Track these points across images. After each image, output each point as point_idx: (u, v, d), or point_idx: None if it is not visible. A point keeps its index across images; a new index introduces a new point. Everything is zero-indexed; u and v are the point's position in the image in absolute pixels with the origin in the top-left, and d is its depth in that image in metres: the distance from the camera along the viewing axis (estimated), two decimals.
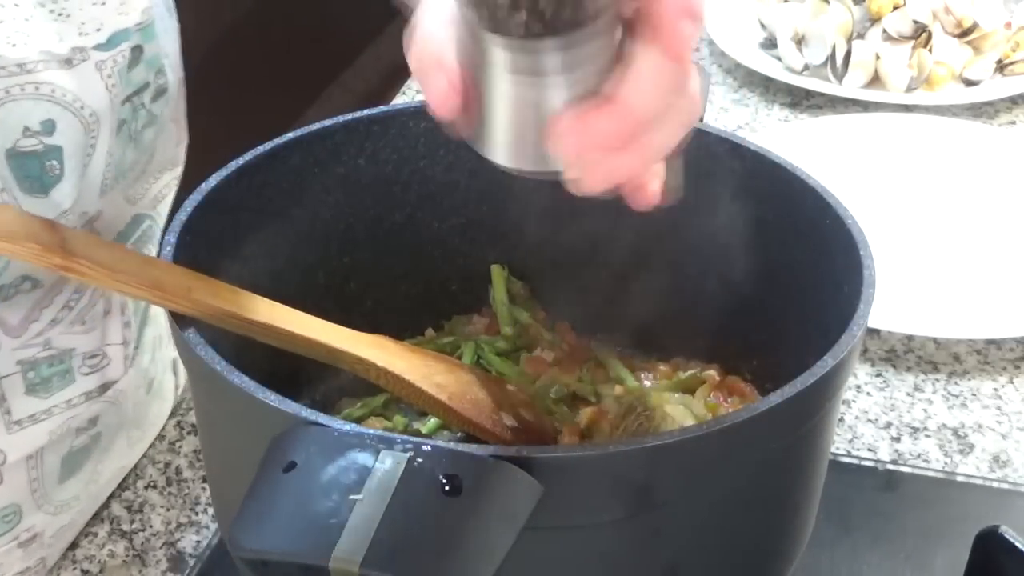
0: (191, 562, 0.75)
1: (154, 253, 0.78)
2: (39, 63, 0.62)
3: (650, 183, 0.53)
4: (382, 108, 0.74)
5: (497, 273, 0.78)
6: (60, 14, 0.64)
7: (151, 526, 0.78)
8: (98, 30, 0.65)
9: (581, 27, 0.45)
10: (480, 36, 0.46)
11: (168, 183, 0.77)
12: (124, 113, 0.67)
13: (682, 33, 0.47)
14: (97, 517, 0.79)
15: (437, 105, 0.49)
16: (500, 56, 0.46)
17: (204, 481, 0.81)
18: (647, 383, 0.75)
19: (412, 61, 0.49)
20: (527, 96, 0.47)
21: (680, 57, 0.47)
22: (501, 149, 0.50)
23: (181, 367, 0.87)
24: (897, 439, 0.84)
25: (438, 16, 0.49)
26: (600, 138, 0.47)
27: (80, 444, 0.75)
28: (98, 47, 0.65)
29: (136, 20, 0.67)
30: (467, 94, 0.49)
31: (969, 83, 1.24)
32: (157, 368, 0.82)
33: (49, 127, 0.63)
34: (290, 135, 0.70)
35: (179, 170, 0.78)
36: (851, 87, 1.23)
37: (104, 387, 0.75)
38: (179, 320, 0.57)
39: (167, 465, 0.83)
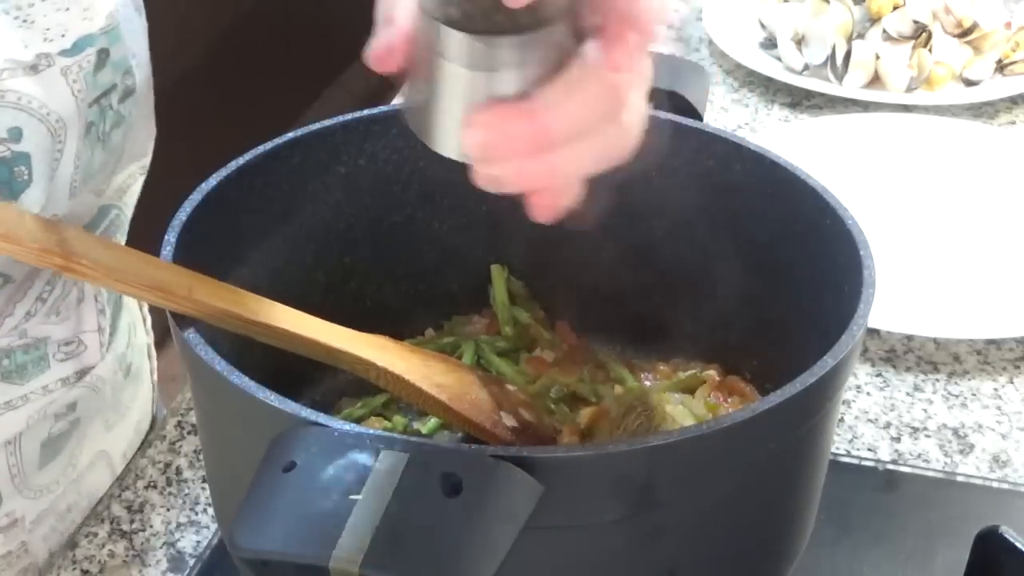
0: (191, 562, 0.75)
1: (123, 242, 0.79)
2: (4, 71, 0.63)
3: (555, 198, 0.51)
4: (382, 108, 0.74)
5: (497, 273, 0.78)
6: (25, 21, 0.64)
7: (151, 526, 0.78)
8: (63, 36, 0.65)
9: (530, 30, 0.46)
10: (430, 20, 0.47)
11: (132, 173, 0.77)
12: (92, 115, 0.67)
13: (625, 44, 0.46)
14: (97, 517, 0.79)
15: (374, 58, 0.49)
16: (447, 42, 0.47)
17: (204, 481, 0.81)
18: (647, 383, 0.75)
19: (372, 49, 0.49)
20: (461, 84, 0.47)
21: (617, 67, 0.47)
22: (432, 131, 0.50)
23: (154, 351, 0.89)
24: (897, 439, 0.84)
25: (400, 15, 0.49)
26: (508, 139, 0.47)
27: (59, 430, 0.75)
28: (63, 53, 0.65)
29: (101, 24, 0.67)
30: (409, 64, 0.49)
31: (969, 83, 1.24)
32: (133, 353, 0.83)
33: (16, 134, 0.63)
34: (290, 135, 0.70)
35: (146, 160, 0.78)
36: (851, 87, 1.23)
37: (81, 373, 0.75)
38: (179, 320, 0.57)
39: (167, 465, 0.83)
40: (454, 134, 0.49)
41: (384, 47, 0.48)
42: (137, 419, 0.86)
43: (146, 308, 0.88)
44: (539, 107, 0.47)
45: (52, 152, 0.65)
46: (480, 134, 0.47)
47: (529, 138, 0.47)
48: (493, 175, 0.48)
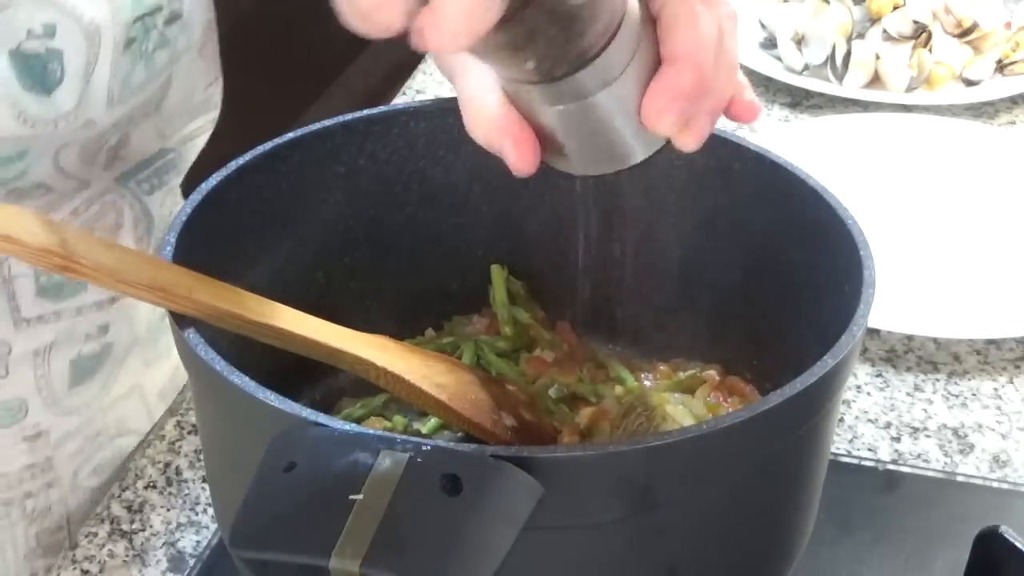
0: (191, 562, 0.75)
1: (178, 183, 0.82)
2: None
3: (744, 95, 0.59)
4: (382, 108, 0.74)
5: (497, 273, 0.78)
6: None
7: (151, 526, 0.78)
8: None
9: (604, 47, 0.49)
10: (532, 88, 0.50)
11: (202, 126, 0.80)
12: (135, 31, 0.69)
13: None
14: (97, 517, 0.79)
15: (522, 168, 0.53)
16: (565, 90, 0.50)
17: (204, 481, 0.81)
18: (647, 383, 0.75)
19: (479, 136, 0.54)
20: (606, 104, 0.51)
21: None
22: (613, 156, 0.55)
23: None
24: (897, 439, 0.84)
25: (480, 84, 0.53)
26: (691, 91, 0.52)
27: (90, 351, 0.77)
28: None
29: None
30: (535, 140, 0.53)
31: (969, 83, 1.24)
32: None
33: (51, 31, 0.65)
34: (290, 135, 0.70)
35: (214, 114, 0.81)
36: (851, 87, 1.23)
37: (114, 298, 0.77)
38: (179, 320, 0.57)
39: (167, 465, 0.83)
40: (638, 139, 0.54)
41: (523, 151, 0.53)
42: (177, 365, 0.87)
43: None
44: (679, 54, 0.52)
45: (87, 55, 0.67)
46: (670, 110, 0.52)
47: (699, 78, 0.52)
48: (698, 128, 0.54)
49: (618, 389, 0.74)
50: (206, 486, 0.80)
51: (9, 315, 0.73)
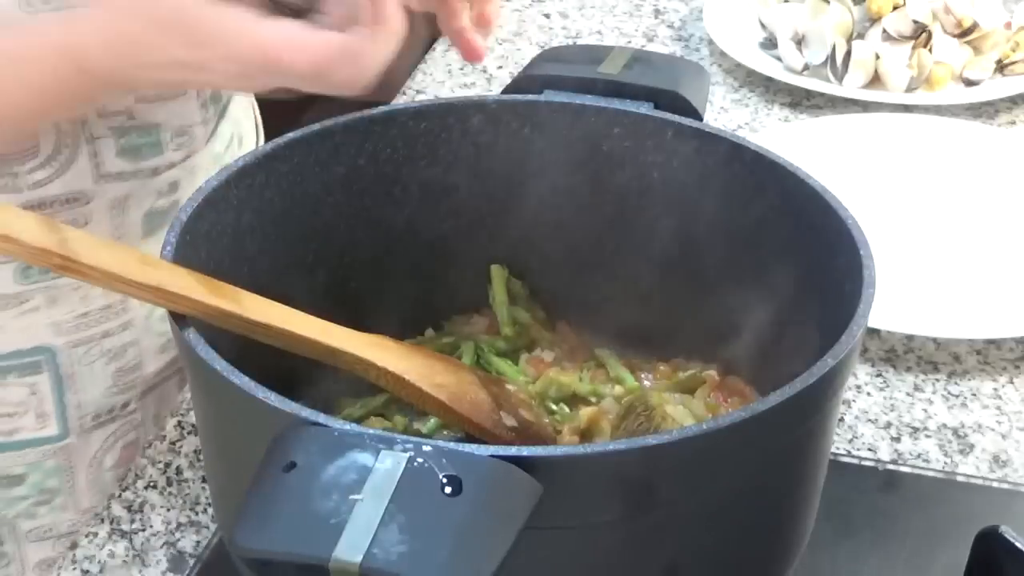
0: (191, 562, 0.75)
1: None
2: None
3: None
4: (382, 108, 0.74)
5: (497, 273, 0.78)
6: None
7: (151, 526, 0.78)
8: None
9: None
10: None
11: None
12: None
13: None
14: (97, 517, 0.79)
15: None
16: None
17: (204, 481, 0.81)
18: (647, 383, 0.75)
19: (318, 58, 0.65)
20: None
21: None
22: None
23: None
24: (897, 439, 0.84)
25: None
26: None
27: (161, 207, 0.84)
28: None
29: None
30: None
31: (969, 83, 1.24)
32: (226, 161, 0.90)
33: None
34: (290, 135, 0.70)
35: None
36: (851, 87, 1.23)
37: (186, 156, 0.85)
38: (179, 320, 0.57)
39: (167, 465, 0.83)
40: None
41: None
42: None
43: (252, 133, 0.98)
44: None
45: None
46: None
47: None
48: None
49: (618, 389, 0.74)
50: (206, 486, 0.80)
51: (91, 171, 0.79)
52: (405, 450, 0.47)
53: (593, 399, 0.74)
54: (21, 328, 0.82)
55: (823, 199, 0.66)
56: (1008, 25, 1.28)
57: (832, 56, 1.23)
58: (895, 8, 1.26)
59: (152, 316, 0.87)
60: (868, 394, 0.88)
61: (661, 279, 0.76)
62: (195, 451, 0.83)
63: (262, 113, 1.01)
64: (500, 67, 1.28)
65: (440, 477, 0.47)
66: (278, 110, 1.09)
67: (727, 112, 1.22)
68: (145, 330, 0.87)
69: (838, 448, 0.83)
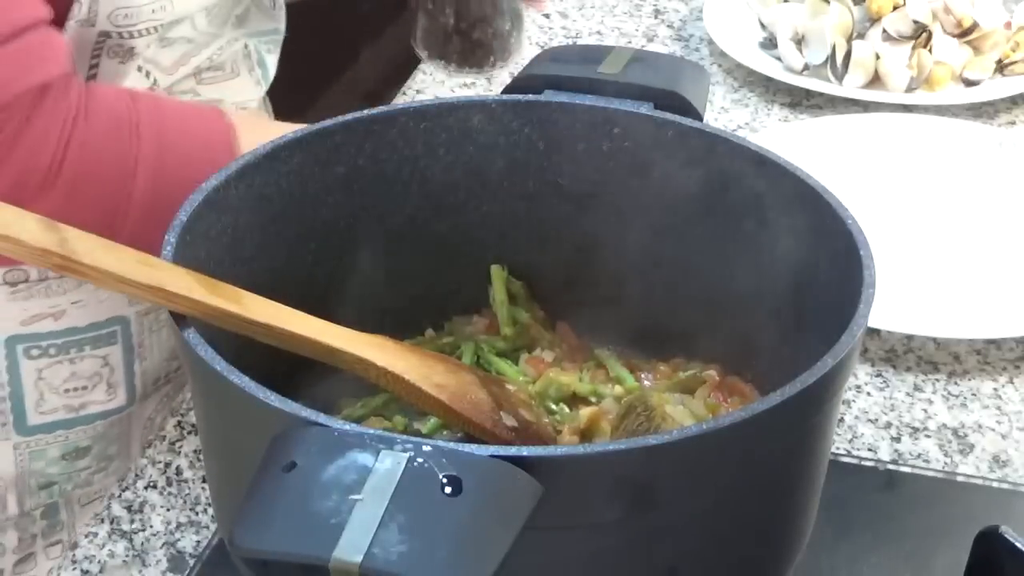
0: (191, 562, 0.75)
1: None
2: None
3: None
4: (382, 108, 0.74)
5: (497, 273, 0.78)
6: None
7: (151, 526, 0.78)
8: None
9: None
10: None
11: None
12: None
13: None
14: (97, 517, 0.79)
15: None
16: None
17: (204, 481, 0.81)
18: (647, 383, 0.75)
19: None
20: None
21: None
22: None
23: None
24: (897, 439, 0.84)
25: None
26: None
27: None
28: None
29: None
30: None
31: (969, 83, 1.24)
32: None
33: None
34: (290, 135, 0.70)
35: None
36: (851, 87, 1.23)
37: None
38: (179, 320, 0.57)
39: (167, 465, 0.83)
40: None
41: None
42: None
43: None
44: None
45: None
46: None
47: None
48: None
49: (618, 389, 0.74)
50: (206, 486, 0.80)
51: None
52: (405, 450, 0.47)
53: (593, 399, 0.74)
54: (99, 301, 0.85)
55: (823, 199, 0.66)
56: (1008, 25, 1.28)
57: (832, 56, 1.23)
58: (895, 8, 1.26)
59: None
60: (868, 394, 0.88)
61: (661, 279, 0.76)
62: (195, 451, 0.83)
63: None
64: (500, 67, 1.28)
65: (440, 477, 0.47)
66: (278, 111, 1.10)
67: (727, 112, 1.22)
68: None
69: (838, 448, 0.83)
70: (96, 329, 0.85)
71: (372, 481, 0.46)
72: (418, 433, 0.72)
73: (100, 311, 0.85)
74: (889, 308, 0.90)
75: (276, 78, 1.02)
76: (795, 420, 0.56)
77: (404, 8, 1.14)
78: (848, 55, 1.23)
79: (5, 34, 0.75)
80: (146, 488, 0.81)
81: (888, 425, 0.86)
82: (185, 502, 0.80)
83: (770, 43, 1.30)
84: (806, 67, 1.25)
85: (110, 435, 0.88)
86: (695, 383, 0.74)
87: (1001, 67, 1.26)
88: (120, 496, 0.80)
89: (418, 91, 1.26)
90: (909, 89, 1.23)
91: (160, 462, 0.83)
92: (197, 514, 0.79)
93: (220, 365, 0.54)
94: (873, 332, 0.92)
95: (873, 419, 0.86)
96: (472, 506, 0.47)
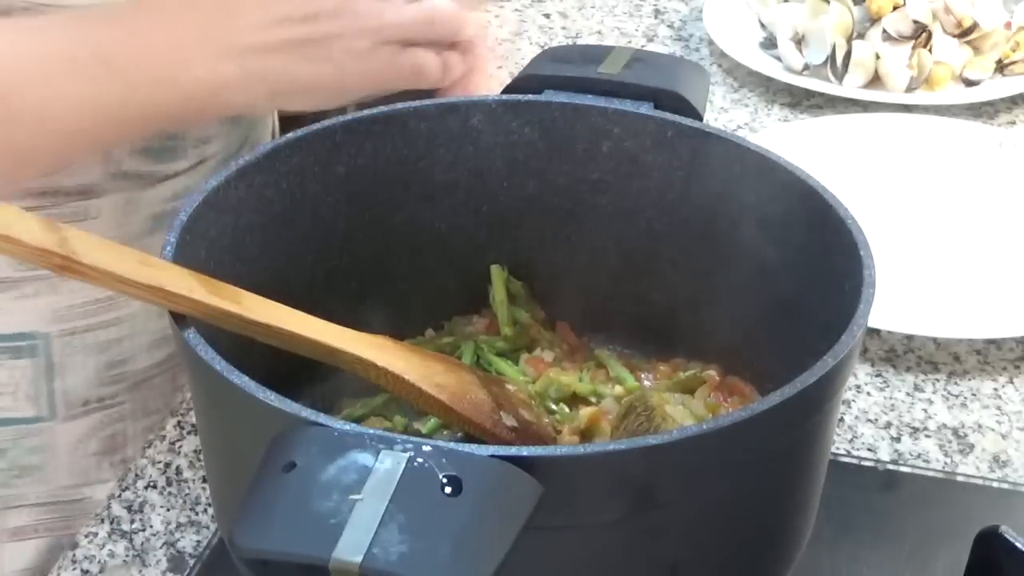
0: (191, 562, 0.75)
1: None
2: None
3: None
4: (382, 108, 0.74)
5: (497, 273, 0.78)
6: None
7: (151, 526, 0.78)
8: None
9: None
10: None
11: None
12: None
13: None
14: (97, 517, 0.79)
15: None
16: None
17: (204, 481, 0.81)
18: (647, 383, 0.75)
19: None
20: None
21: None
22: None
23: None
24: (897, 439, 0.84)
25: None
26: None
27: (168, 210, 0.87)
28: None
29: None
30: None
31: (969, 83, 1.24)
32: None
33: None
34: (290, 135, 0.70)
35: None
36: (851, 87, 1.23)
37: (199, 162, 0.88)
38: (179, 320, 0.57)
39: (167, 465, 0.83)
40: None
41: None
42: None
43: (268, 138, 0.98)
44: None
45: None
46: None
47: None
48: None
49: (618, 389, 0.74)
50: (206, 486, 0.80)
51: (103, 168, 0.82)
52: (405, 450, 0.47)
53: (593, 399, 0.74)
54: (18, 311, 0.84)
55: (823, 199, 0.66)
56: (1008, 25, 1.28)
57: (832, 56, 1.23)
58: (895, 8, 1.26)
59: (148, 313, 0.88)
60: (868, 394, 0.88)
61: (661, 279, 0.76)
62: (195, 451, 0.83)
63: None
64: (500, 67, 1.28)
65: (440, 477, 0.47)
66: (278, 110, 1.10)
67: (727, 112, 1.22)
68: (139, 326, 0.88)
69: (838, 448, 0.83)
70: (9, 340, 0.85)
71: (372, 481, 0.46)
72: (418, 433, 0.72)
73: (10, 324, 0.85)
74: (889, 308, 0.90)
75: None
76: (795, 420, 0.56)
77: None
78: (848, 55, 1.23)
79: None
80: (146, 488, 0.81)
81: (888, 425, 0.86)
82: (185, 502, 0.80)
83: (770, 43, 1.30)
84: (806, 67, 1.25)
85: (27, 445, 0.88)
86: (695, 383, 0.74)
87: (1001, 67, 1.26)
88: (120, 496, 0.80)
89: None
90: (909, 89, 1.23)
91: (160, 462, 0.83)
92: (197, 514, 0.79)
93: (220, 365, 0.54)
94: (873, 332, 0.92)
95: (873, 419, 0.86)
96: (472, 506, 0.47)
